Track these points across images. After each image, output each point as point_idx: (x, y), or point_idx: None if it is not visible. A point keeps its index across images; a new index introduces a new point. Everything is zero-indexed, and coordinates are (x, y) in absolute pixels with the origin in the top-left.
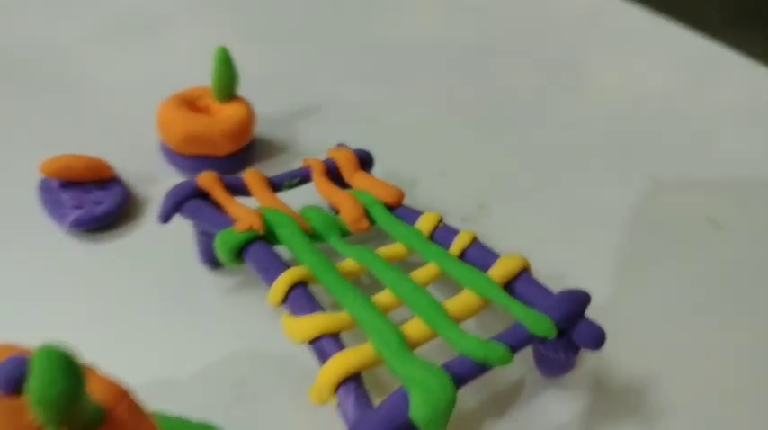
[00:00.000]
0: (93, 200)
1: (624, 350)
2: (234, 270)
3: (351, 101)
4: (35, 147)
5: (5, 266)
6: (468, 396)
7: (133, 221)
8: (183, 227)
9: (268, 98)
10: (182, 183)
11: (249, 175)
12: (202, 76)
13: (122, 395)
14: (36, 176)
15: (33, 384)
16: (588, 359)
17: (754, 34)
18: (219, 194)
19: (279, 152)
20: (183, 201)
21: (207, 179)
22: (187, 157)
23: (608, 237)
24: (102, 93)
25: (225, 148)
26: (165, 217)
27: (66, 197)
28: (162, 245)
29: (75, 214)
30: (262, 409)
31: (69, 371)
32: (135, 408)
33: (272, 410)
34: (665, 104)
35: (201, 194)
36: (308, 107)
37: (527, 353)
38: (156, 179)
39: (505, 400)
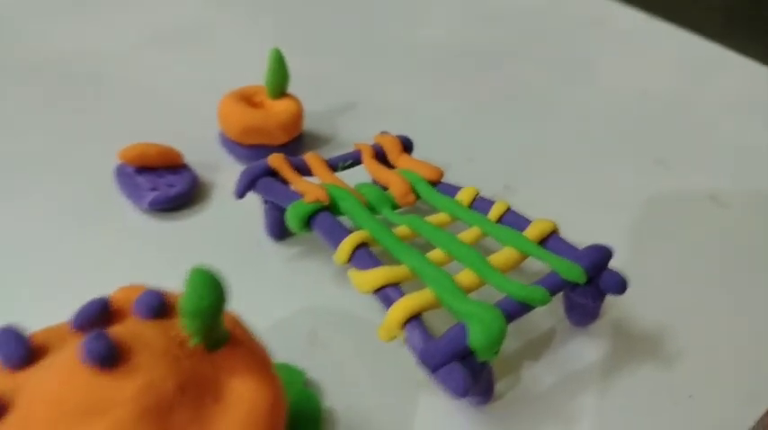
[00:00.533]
0: (166, 183)
1: (640, 305)
2: (295, 241)
3: (384, 98)
4: (106, 139)
5: (90, 242)
6: (510, 343)
7: (202, 203)
8: (246, 206)
9: (311, 96)
10: (254, 164)
11: (310, 157)
12: (250, 77)
13: (237, 320)
14: (111, 164)
15: (187, 297)
16: (610, 311)
17: (752, 41)
18: (288, 172)
19: (324, 143)
20: (257, 178)
21: (276, 160)
22: (245, 147)
23: (622, 214)
24: (162, 92)
25: (279, 139)
26: (241, 193)
27: (142, 180)
28: (229, 222)
29: (152, 195)
30: (332, 353)
31: (217, 287)
32: (247, 331)
33: (341, 353)
34: (668, 98)
35: (271, 173)
36: (347, 104)
37: (558, 307)
38: (217, 167)
39: (540, 346)
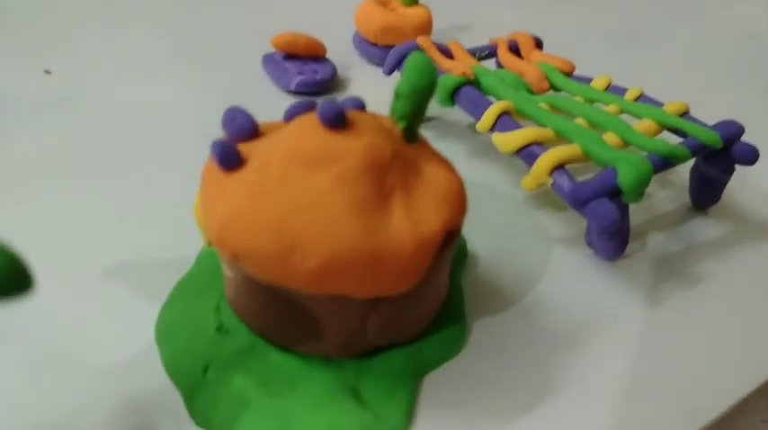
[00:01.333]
0: (311, 69)
1: (754, 200)
2: (427, 126)
3: (495, 19)
4: (252, 34)
5: None
6: (636, 217)
7: (340, 92)
8: (384, 96)
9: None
10: (403, 44)
11: (452, 44)
12: None
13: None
14: (258, 51)
15: (407, 78)
16: (725, 199)
17: None
18: (434, 52)
19: None
20: (405, 57)
21: (424, 41)
22: (378, 48)
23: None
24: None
25: (412, 40)
26: (390, 69)
27: (290, 66)
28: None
29: (299, 78)
30: (471, 209)
31: (433, 72)
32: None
33: (479, 210)
34: None
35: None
36: (465, 23)
37: (680, 193)
38: (351, 66)
39: (664, 223)
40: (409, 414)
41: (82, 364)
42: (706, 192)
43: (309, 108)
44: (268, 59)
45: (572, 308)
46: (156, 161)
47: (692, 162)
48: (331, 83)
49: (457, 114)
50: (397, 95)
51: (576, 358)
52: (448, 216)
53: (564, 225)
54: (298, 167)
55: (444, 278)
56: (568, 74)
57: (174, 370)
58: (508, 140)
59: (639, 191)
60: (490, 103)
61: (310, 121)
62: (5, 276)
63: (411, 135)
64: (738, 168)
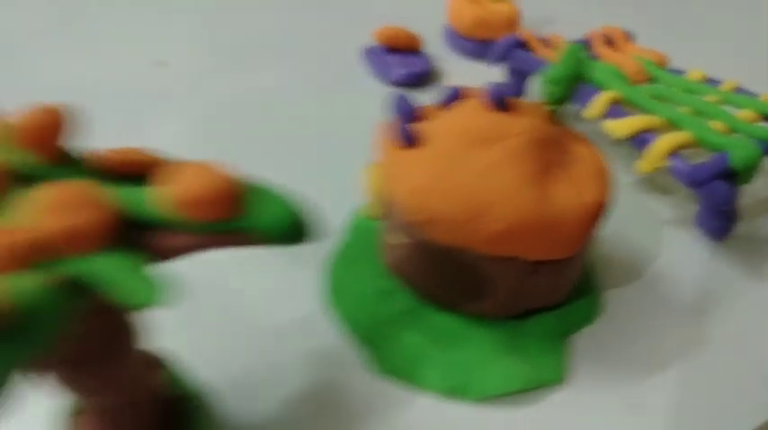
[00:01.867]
0: (410, 62)
1: None
2: None
3: (575, 14)
4: (348, 27)
5: (342, 106)
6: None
7: (436, 83)
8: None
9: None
10: (507, 38)
11: (553, 37)
12: None
13: None
14: (356, 45)
15: (563, 64)
16: None
17: None
18: (537, 45)
19: None
20: (511, 48)
21: (526, 33)
22: (469, 41)
23: None
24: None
25: (502, 33)
26: (496, 59)
27: (391, 59)
28: None
29: (401, 71)
30: None
31: (581, 62)
32: None
33: None
34: None
35: (521, 45)
36: (547, 17)
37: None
38: (443, 59)
39: (759, 208)
40: (564, 368)
41: (259, 327)
42: None
43: (459, 94)
44: (370, 52)
45: (685, 283)
46: (276, 148)
47: None
48: (428, 75)
49: None
50: (553, 81)
51: (690, 330)
52: (603, 189)
53: (670, 207)
54: (472, 144)
55: (588, 250)
56: (661, 66)
57: (354, 326)
58: (622, 126)
59: (752, 172)
60: (595, 93)
61: (474, 105)
62: (292, 226)
63: (558, 117)
64: None
